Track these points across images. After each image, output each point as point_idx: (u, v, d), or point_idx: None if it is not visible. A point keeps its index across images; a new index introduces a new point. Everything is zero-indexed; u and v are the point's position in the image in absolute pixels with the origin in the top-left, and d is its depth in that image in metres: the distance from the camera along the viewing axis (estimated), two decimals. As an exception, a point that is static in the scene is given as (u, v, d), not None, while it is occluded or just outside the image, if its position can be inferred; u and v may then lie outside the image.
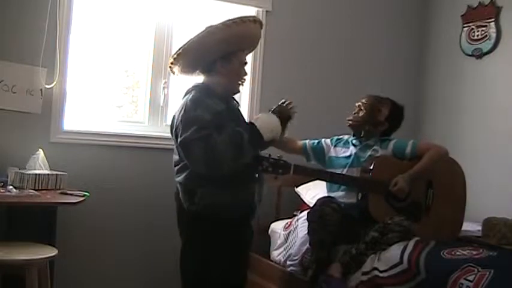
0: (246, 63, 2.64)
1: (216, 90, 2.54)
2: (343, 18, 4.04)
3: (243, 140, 2.37)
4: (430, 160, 2.91)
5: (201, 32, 2.52)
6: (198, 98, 2.46)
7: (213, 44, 2.50)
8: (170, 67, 2.62)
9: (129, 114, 3.72)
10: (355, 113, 3.07)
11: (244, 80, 2.64)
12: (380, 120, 3.04)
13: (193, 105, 2.42)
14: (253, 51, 2.88)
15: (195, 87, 2.57)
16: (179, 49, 2.54)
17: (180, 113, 2.46)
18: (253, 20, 2.61)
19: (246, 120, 2.66)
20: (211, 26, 2.52)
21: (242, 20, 2.55)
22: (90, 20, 3.44)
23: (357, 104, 3.09)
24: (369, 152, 2.99)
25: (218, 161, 2.33)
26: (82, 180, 3.09)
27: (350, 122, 3.06)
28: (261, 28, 2.69)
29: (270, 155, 2.57)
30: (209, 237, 2.46)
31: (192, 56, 2.55)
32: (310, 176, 2.96)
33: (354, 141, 3.08)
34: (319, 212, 2.78)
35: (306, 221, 2.90)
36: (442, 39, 4.13)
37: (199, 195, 2.43)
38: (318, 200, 2.91)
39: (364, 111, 3.04)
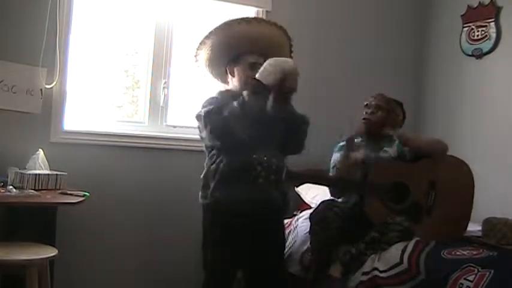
0: (254, 63, 2.63)
1: (235, 94, 2.62)
2: (342, 18, 4.04)
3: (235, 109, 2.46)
4: (429, 142, 2.91)
5: (206, 35, 2.65)
6: (209, 98, 2.64)
7: (216, 47, 2.60)
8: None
9: (129, 114, 3.72)
10: (372, 112, 3.03)
11: None
12: (398, 123, 3.08)
13: (203, 104, 2.60)
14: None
15: (217, 91, 2.77)
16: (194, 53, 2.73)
17: None
18: (247, 20, 2.67)
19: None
20: (214, 28, 2.63)
21: (245, 21, 2.69)
22: (90, 20, 3.44)
23: (372, 103, 3.04)
24: (380, 153, 2.98)
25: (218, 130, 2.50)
26: (82, 180, 3.09)
27: (367, 121, 3.02)
28: (278, 29, 2.73)
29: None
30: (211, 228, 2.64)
31: (205, 58, 2.70)
32: (304, 180, 2.96)
33: (363, 143, 3.04)
34: (322, 215, 2.79)
35: (308, 221, 2.91)
36: (442, 39, 4.13)
37: (211, 190, 2.56)
38: (321, 203, 2.91)
39: (381, 112, 3.02)
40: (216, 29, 2.64)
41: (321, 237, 2.78)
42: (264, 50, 2.65)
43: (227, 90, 2.75)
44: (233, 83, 2.71)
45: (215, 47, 2.63)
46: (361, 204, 2.84)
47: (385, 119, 3.04)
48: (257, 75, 2.47)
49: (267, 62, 2.48)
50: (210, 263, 2.64)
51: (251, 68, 2.62)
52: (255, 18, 2.70)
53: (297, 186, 3.64)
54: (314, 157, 2.97)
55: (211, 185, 2.57)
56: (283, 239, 2.87)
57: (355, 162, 2.92)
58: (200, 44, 2.70)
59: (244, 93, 2.47)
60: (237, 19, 2.69)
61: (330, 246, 2.79)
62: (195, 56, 2.76)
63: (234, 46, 2.62)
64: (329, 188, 3.04)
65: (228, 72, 2.70)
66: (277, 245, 2.77)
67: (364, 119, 3.03)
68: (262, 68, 2.48)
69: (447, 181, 2.86)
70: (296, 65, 2.50)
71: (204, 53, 2.70)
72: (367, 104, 3.06)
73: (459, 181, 2.90)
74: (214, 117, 2.49)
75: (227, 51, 2.64)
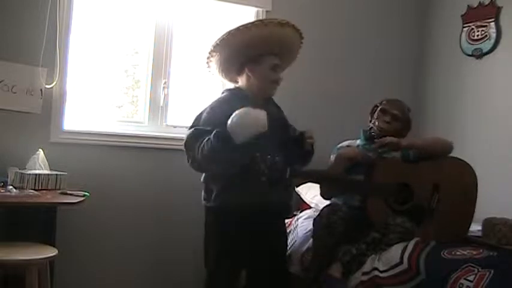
0: (276, 65, 2.68)
1: (247, 93, 2.65)
2: (343, 18, 4.04)
3: (210, 146, 2.41)
4: (431, 141, 2.88)
5: (224, 35, 2.63)
6: (217, 102, 2.65)
7: (234, 46, 2.62)
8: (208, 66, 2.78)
9: (129, 114, 3.72)
10: (388, 122, 2.97)
11: (276, 83, 2.71)
12: (408, 131, 3.04)
13: (208, 107, 2.61)
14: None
15: (227, 90, 2.76)
16: (209, 50, 2.70)
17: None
18: (279, 23, 2.67)
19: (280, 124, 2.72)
20: (233, 29, 2.62)
21: (263, 23, 2.68)
22: (90, 20, 3.44)
23: (390, 112, 2.98)
24: (385, 155, 2.96)
25: (197, 163, 2.51)
26: (82, 180, 3.09)
27: (379, 131, 2.97)
28: (295, 31, 2.73)
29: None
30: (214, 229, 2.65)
31: (220, 58, 2.68)
32: (307, 179, 2.95)
33: (367, 147, 3.02)
34: (326, 221, 2.78)
35: (309, 222, 2.90)
36: (442, 39, 4.13)
37: (214, 193, 2.57)
38: (325, 207, 2.91)
39: (400, 123, 2.99)
40: (235, 30, 2.63)
41: (326, 242, 2.77)
42: (282, 52, 2.71)
43: (237, 88, 2.75)
44: (247, 82, 2.69)
45: (234, 47, 2.63)
46: (364, 205, 2.83)
47: (399, 131, 2.98)
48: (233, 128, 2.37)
49: (241, 114, 2.38)
50: (213, 264, 2.64)
51: (273, 69, 2.68)
52: (275, 20, 2.71)
53: (297, 186, 3.64)
54: (315, 157, 2.96)
55: (214, 188, 2.58)
56: (285, 239, 2.88)
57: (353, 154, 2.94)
58: (216, 44, 2.67)
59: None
60: (256, 21, 2.74)
61: (332, 246, 2.78)
62: (210, 51, 2.72)
63: (255, 47, 2.63)
64: (320, 189, 3.03)
65: (248, 71, 2.68)
66: (280, 245, 2.78)
67: (378, 127, 2.99)
68: (240, 121, 2.37)
69: (451, 184, 2.82)
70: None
71: (220, 53, 2.68)
72: (383, 110, 3.01)
73: (463, 185, 2.85)
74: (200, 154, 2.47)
75: (247, 51, 2.64)
